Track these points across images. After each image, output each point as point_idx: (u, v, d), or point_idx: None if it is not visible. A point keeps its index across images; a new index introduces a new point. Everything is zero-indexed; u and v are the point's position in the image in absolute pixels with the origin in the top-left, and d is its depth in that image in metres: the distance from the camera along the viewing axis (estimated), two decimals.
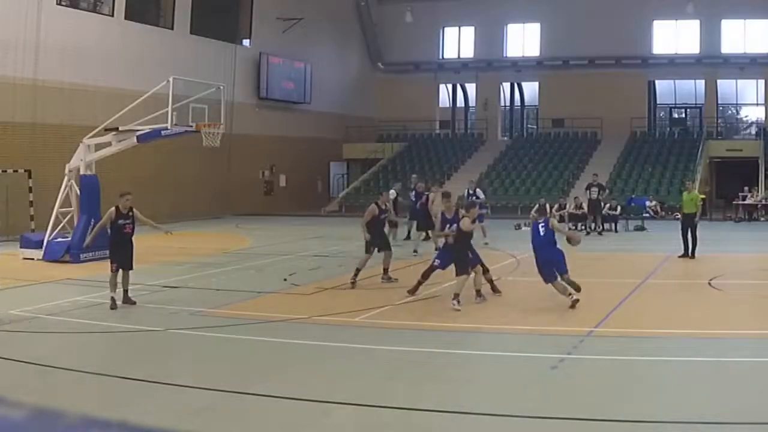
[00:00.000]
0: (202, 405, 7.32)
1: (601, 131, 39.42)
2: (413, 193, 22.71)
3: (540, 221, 12.40)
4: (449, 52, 43.96)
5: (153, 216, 13.82)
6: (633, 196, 32.36)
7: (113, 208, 12.65)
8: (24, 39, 24.32)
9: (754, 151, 35.56)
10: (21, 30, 24.24)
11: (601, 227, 25.26)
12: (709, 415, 6.75)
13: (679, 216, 19.66)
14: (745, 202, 30.41)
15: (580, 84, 39.17)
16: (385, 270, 14.71)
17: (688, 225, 18.35)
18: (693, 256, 17.96)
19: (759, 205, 30.33)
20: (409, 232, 22.89)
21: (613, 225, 26.11)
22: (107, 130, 18.81)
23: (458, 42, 43.78)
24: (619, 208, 26.99)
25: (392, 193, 22.11)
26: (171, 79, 18.02)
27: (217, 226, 28.55)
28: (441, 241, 13.53)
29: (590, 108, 38.67)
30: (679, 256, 18.08)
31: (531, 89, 44.10)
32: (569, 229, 26.17)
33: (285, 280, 15.19)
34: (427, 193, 21.79)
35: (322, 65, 39.21)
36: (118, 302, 12.29)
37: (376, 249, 14.45)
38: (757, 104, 40.39)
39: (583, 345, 9.46)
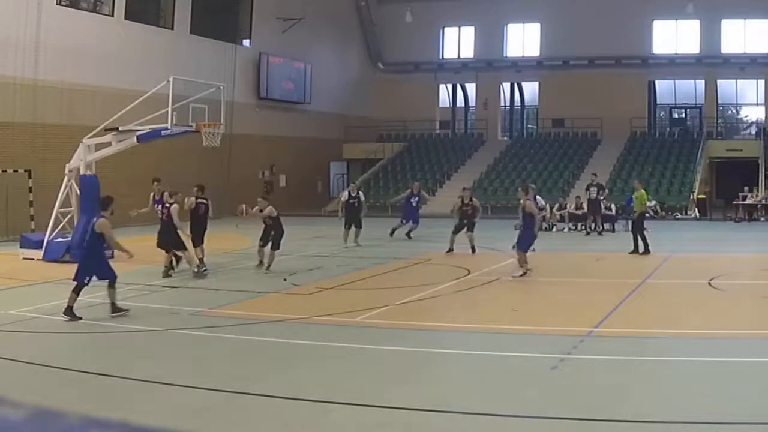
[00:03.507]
0: (202, 405, 7.32)
1: (601, 131, 39.40)
2: (415, 199, 23.18)
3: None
4: (449, 52, 43.94)
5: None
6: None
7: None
8: (24, 39, 24.31)
9: (754, 151, 35.55)
10: (21, 30, 24.23)
11: (601, 227, 25.25)
12: (709, 415, 6.75)
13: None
14: (745, 202, 30.41)
15: (580, 84, 39.16)
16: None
17: (637, 223, 19.17)
18: (647, 252, 18.65)
19: (759, 205, 30.33)
20: (409, 233, 22.98)
21: (611, 225, 26.07)
22: (107, 130, 18.80)
23: (458, 42, 43.76)
24: (614, 207, 26.93)
25: (344, 195, 21.88)
26: (171, 79, 18.01)
27: (216, 226, 28.48)
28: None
29: (590, 108, 38.65)
30: (629, 253, 18.76)
31: (531, 89, 44.09)
32: (569, 229, 26.28)
33: (285, 280, 15.19)
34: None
35: (322, 65, 39.20)
36: None
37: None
38: (757, 104, 40.37)
39: (583, 345, 9.46)
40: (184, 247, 15.69)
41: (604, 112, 38.53)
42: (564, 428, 6.72)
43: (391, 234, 22.99)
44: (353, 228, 21.22)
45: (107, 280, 11.48)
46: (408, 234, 22.85)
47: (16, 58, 24.16)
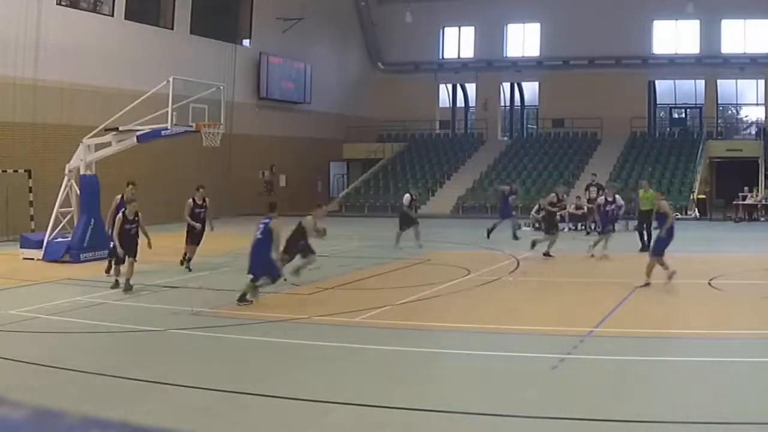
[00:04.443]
0: (202, 405, 7.32)
1: (601, 131, 39.40)
2: (512, 196, 23.43)
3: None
4: (449, 52, 43.95)
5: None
6: (633, 196, 32.33)
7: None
8: (24, 39, 24.30)
9: (754, 151, 35.55)
10: (21, 30, 24.22)
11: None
12: (709, 415, 6.75)
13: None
14: (745, 202, 30.41)
15: (580, 84, 39.16)
16: None
17: (644, 222, 19.48)
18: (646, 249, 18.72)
19: (759, 205, 30.34)
20: (514, 232, 22.73)
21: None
22: (107, 130, 18.81)
23: (458, 42, 43.77)
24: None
25: (407, 198, 21.54)
26: (171, 79, 18.02)
27: (217, 226, 28.50)
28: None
29: (590, 108, 38.65)
30: (640, 251, 18.80)
31: (531, 89, 44.10)
32: (569, 229, 26.26)
33: (285, 280, 15.18)
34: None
35: (322, 65, 39.21)
36: None
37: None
38: (757, 104, 40.35)
39: (583, 345, 9.46)
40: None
41: (604, 112, 38.54)
42: (564, 428, 6.72)
43: (489, 234, 22.50)
44: (409, 228, 20.70)
45: (265, 277, 12.42)
46: (514, 234, 22.47)
47: (16, 58, 24.16)
